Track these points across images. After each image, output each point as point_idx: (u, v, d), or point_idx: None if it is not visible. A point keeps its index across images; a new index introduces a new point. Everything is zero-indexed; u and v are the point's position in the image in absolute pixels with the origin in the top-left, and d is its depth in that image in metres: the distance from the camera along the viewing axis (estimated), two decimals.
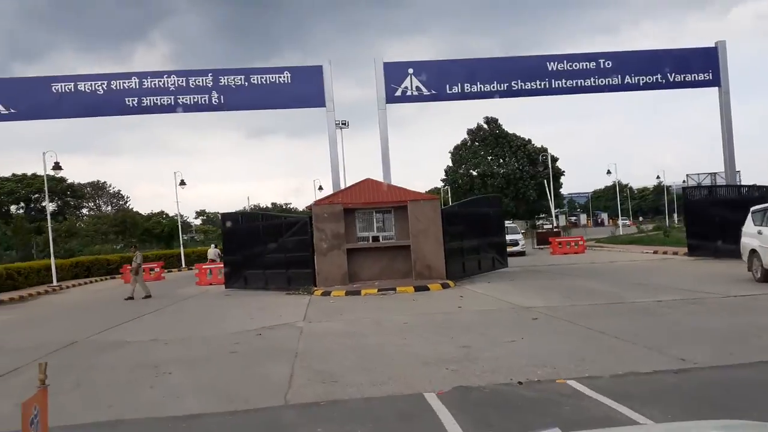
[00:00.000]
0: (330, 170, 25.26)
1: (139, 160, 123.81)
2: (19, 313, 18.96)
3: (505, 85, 25.28)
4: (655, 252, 30.27)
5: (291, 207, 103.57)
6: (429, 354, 8.36)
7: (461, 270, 20.83)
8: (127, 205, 72.97)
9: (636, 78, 25.70)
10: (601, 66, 25.57)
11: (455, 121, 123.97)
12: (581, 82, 25.48)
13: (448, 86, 25.31)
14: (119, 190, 74.67)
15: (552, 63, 25.32)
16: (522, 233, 36.04)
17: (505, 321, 11.12)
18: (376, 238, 20.63)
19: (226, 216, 24.08)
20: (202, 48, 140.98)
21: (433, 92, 25.36)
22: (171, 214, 61.43)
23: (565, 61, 25.38)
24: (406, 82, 25.19)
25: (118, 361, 9.46)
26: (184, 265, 40.22)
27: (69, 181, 53.99)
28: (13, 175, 50.60)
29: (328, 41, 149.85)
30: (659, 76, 25.83)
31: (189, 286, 25.71)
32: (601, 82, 25.61)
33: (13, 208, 51.34)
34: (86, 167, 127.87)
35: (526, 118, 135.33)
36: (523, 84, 25.15)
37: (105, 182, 74.83)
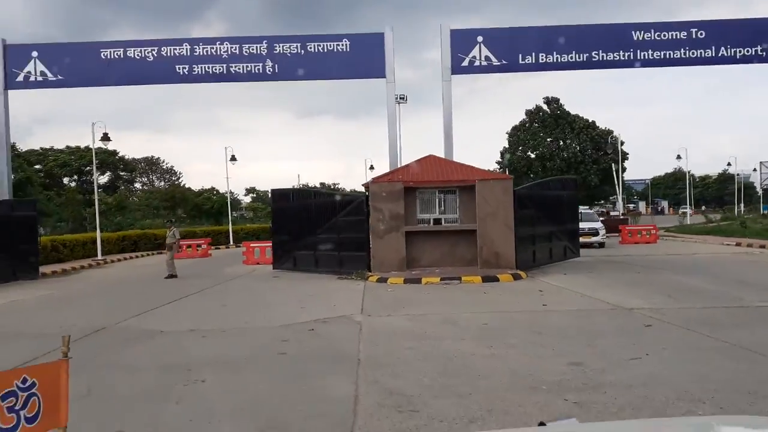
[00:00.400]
0: (387, 147, 23.46)
1: (192, 138, 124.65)
2: (57, 288, 17.90)
3: (585, 55, 22.85)
4: (738, 244, 27.44)
5: (339, 188, 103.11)
6: (531, 372, 6.47)
7: (531, 259, 18.76)
8: (180, 181, 72.99)
9: (732, 50, 22.87)
10: (693, 36, 22.83)
11: (508, 102, 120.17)
12: (669, 54, 22.80)
13: (520, 56, 23.04)
14: (172, 166, 74.89)
15: (638, 32, 22.70)
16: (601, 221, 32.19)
17: (610, 327, 9.10)
18: (437, 221, 18.73)
19: (276, 192, 22.54)
20: (256, 28, 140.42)
21: (504, 62, 23.13)
22: (221, 191, 60.94)
23: (652, 30, 22.72)
24: (474, 51, 23.03)
25: (144, 359, 7.91)
26: (232, 243, 39.22)
27: (121, 154, 53.79)
28: (67, 147, 50.64)
29: (381, 22, 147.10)
30: (759, 48, 22.94)
31: (236, 264, 24.41)
32: (692, 54, 22.89)
33: (66, 180, 51.38)
34: (141, 144, 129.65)
35: (582, 100, 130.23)
36: (604, 54, 22.66)
37: (158, 158, 75.31)
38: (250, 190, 70.05)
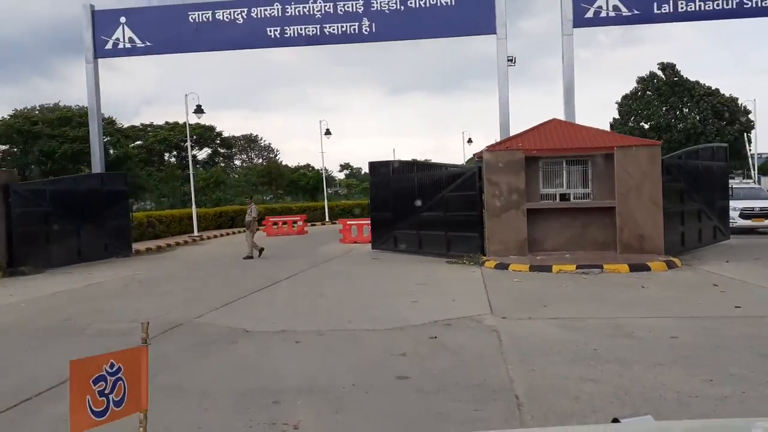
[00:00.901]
0: (498, 112, 20.67)
1: (287, 116, 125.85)
2: (145, 267, 16.74)
3: (735, 1, 19.09)
4: None
5: (434, 162, 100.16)
6: None
7: (680, 242, 15.67)
8: (277, 158, 73.01)
9: None
10: None
11: (612, 72, 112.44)
12: None
13: (656, 4, 19.57)
14: (269, 143, 74.99)
15: None
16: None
17: None
18: (564, 197, 15.95)
19: (375, 165, 20.44)
20: None
21: (636, 12, 19.70)
22: (316, 168, 60.05)
23: None
24: (600, 1, 19.80)
25: (220, 377, 5.95)
26: (327, 219, 37.84)
27: (219, 130, 53.72)
28: (166, 123, 51.10)
29: None
30: None
31: (332, 243, 22.68)
32: None
33: (166, 156, 51.94)
34: (240, 122, 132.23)
35: (701, 68, 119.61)
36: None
37: (257, 135, 75.56)
38: (344, 166, 68.97)
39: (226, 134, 57.51)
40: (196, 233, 27.34)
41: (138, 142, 49.46)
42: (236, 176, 70.29)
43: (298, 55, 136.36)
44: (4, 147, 38.42)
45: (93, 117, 20.42)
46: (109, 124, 37.28)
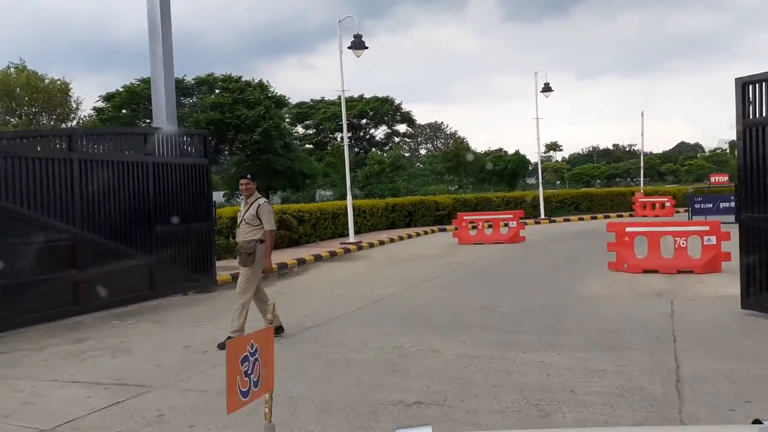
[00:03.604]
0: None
1: (471, 106, 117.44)
2: (219, 328, 7.13)
3: None
4: None
5: (635, 150, 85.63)
6: None
7: None
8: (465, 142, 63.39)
9: None
10: None
11: None
12: None
13: None
14: (456, 131, 66.67)
15: None
16: None
17: None
18: None
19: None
20: None
21: None
22: (509, 153, 48.66)
23: None
24: None
25: None
26: (542, 215, 26.41)
27: (398, 103, 44.27)
28: (338, 98, 42.99)
29: None
30: None
31: (596, 269, 11.61)
32: None
33: (338, 136, 43.65)
34: (427, 115, 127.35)
35: None
36: None
37: (442, 122, 69.67)
38: (551, 146, 56.29)
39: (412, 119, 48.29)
40: (352, 239, 17.66)
41: (307, 122, 41.82)
42: (420, 165, 62.39)
43: (479, 44, 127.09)
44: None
45: (155, 35, 11.25)
46: (255, 90, 29.23)
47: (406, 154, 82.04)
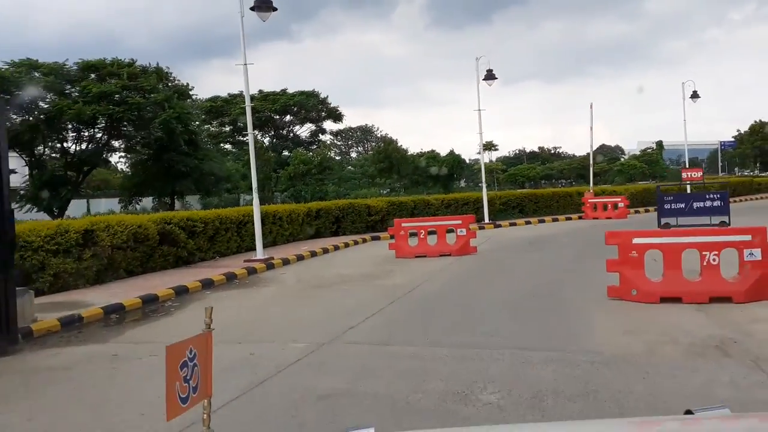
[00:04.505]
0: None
1: (402, 112, 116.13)
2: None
3: None
4: None
5: (560, 151, 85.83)
6: None
7: None
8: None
9: None
10: None
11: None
12: None
13: None
14: (387, 134, 64.12)
15: None
16: None
17: None
18: None
19: None
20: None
21: None
22: (443, 154, 45.70)
23: None
24: None
25: None
26: (487, 219, 23.18)
27: (323, 96, 40.12)
28: (260, 92, 38.77)
29: None
30: None
31: (586, 298, 8.25)
32: None
33: (258, 133, 39.16)
34: (358, 119, 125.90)
35: None
36: None
37: (372, 125, 67.07)
38: (487, 146, 53.56)
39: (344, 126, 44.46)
40: (260, 254, 13.71)
41: (222, 119, 37.32)
42: (351, 168, 59.35)
43: (407, 50, 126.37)
44: None
45: None
46: (152, 76, 24.75)
47: (337, 157, 78.69)
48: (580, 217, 25.82)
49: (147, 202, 30.60)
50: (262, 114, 35.88)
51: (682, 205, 17.79)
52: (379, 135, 74.53)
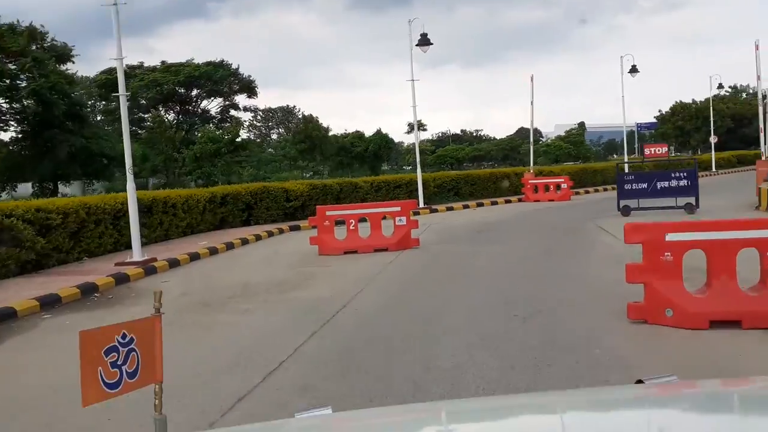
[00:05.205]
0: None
1: (324, 94, 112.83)
2: None
3: None
4: None
5: (483, 134, 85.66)
6: None
7: None
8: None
9: None
10: None
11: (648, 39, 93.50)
12: None
13: None
14: (310, 114, 60.94)
15: None
16: None
17: None
18: None
19: None
20: None
21: None
22: (367, 135, 42.78)
23: None
24: None
25: None
26: (422, 204, 20.51)
27: (235, 67, 35.92)
28: (162, 63, 34.33)
29: None
30: None
31: (596, 320, 5.56)
32: None
33: (162, 109, 34.56)
34: (278, 101, 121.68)
35: None
36: None
37: (294, 106, 65.27)
38: (413, 126, 51.06)
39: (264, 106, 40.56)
40: (137, 255, 10.35)
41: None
42: (272, 150, 56.21)
43: (328, 31, 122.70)
44: None
45: None
46: (21, 37, 20.46)
47: (257, 139, 74.51)
48: (519, 200, 23.72)
49: (25, 188, 26.15)
50: (164, 87, 31.51)
51: (645, 186, 15.71)
52: (300, 116, 71.49)
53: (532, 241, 12.16)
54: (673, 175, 15.67)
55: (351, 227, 11.87)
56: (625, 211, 15.58)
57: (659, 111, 68.71)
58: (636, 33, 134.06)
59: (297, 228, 16.15)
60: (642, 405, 1.60)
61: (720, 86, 39.61)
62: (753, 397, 1.59)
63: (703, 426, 1.41)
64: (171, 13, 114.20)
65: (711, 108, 40.40)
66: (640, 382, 1.61)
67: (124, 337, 2.34)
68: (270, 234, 15.45)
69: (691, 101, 63.60)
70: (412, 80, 20.89)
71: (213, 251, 12.52)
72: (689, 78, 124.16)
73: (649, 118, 67.11)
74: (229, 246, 13.25)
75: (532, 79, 26.09)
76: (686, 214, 15.03)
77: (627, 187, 15.88)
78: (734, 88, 69.20)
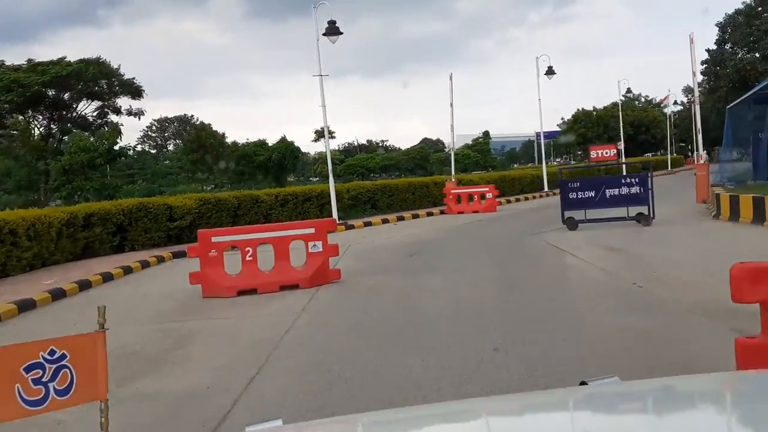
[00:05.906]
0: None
1: (223, 103, 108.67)
2: None
3: None
4: None
5: (388, 145, 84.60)
6: None
7: None
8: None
9: None
10: None
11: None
12: None
13: None
14: (209, 123, 57.09)
15: None
16: None
17: None
18: None
19: None
20: None
21: None
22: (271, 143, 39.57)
23: None
24: None
25: None
26: (337, 219, 17.63)
27: (115, 66, 31.40)
28: (29, 61, 29.46)
29: None
30: None
31: None
32: None
33: (21, 117, 29.45)
34: (175, 109, 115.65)
35: None
36: None
37: (192, 116, 62.61)
38: (321, 133, 48.03)
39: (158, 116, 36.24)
40: None
41: None
42: (168, 162, 52.43)
43: (226, 40, 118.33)
44: None
45: None
46: None
47: (152, 150, 69.21)
48: (442, 212, 21.52)
49: None
50: (28, 89, 26.67)
51: (592, 194, 13.72)
52: (198, 125, 67.85)
53: (483, 266, 9.64)
54: (623, 181, 13.79)
55: (248, 257, 8.85)
56: (571, 224, 13.55)
57: (561, 119, 69.59)
58: (528, 44, 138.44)
59: (182, 254, 12.85)
60: (586, 407, 1.60)
61: (629, 90, 39.69)
62: (694, 395, 1.61)
63: (643, 426, 1.43)
64: (56, 18, 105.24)
65: (620, 112, 40.31)
66: (583, 383, 1.62)
67: (52, 353, 2.28)
68: (145, 265, 12.10)
69: (592, 108, 64.69)
70: (320, 75, 18.13)
71: (58, 295, 9.15)
72: (588, 86, 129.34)
73: (552, 126, 67.90)
74: (84, 285, 9.89)
75: (451, 78, 24.03)
76: (642, 226, 13.16)
77: (572, 196, 13.82)
78: (628, 96, 71.16)
